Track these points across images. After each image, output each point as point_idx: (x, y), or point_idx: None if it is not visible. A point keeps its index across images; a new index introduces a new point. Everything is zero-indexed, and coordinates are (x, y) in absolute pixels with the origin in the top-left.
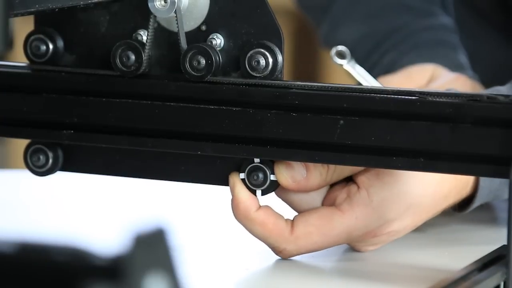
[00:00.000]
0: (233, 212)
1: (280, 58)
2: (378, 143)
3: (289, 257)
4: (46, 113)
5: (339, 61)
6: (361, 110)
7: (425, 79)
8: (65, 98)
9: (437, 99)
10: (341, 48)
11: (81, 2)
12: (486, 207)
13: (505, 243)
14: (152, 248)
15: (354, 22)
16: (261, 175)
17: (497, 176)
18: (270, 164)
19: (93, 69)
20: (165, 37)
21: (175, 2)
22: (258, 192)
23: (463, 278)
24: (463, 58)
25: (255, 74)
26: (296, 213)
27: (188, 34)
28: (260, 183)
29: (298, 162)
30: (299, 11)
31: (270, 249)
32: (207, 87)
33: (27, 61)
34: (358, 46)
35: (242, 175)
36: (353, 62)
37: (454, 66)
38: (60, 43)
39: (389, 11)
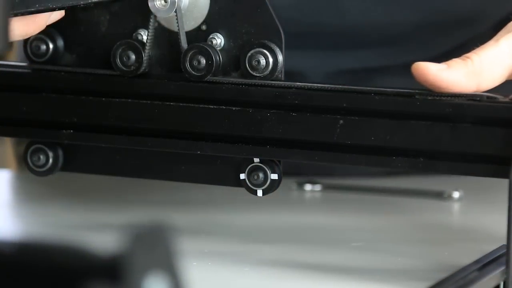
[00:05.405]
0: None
1: (280, 58)
2: (378, 143)
3: None
4: (46, 113)
5: None
6: (361, 110)
7: None
8: (65, 98)
9: (437, 99)
10: None
11: (81, 2)
12: (486, 207)
13: (505, 243)
14: (152, 248)
15: None
16: (261, 175)
17: (497, 176)
18: (271, 164)
19: (93, 68)
20: (165, 36)
21: (175, 1)
22: (259, 192)
23: (463, 278)
24: None
25: (255, 74)
26: None
27: (188, 34)
28: (260, 183)
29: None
30: None
31: (270, 249)
32: (207, 86)
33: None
34: None
35: (243, 175)
36: None
37: None
38: (60, 43)
39: None
